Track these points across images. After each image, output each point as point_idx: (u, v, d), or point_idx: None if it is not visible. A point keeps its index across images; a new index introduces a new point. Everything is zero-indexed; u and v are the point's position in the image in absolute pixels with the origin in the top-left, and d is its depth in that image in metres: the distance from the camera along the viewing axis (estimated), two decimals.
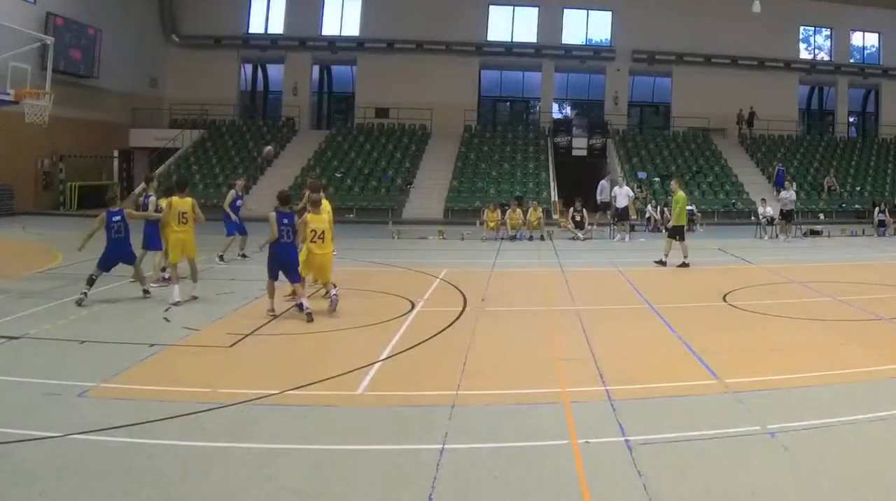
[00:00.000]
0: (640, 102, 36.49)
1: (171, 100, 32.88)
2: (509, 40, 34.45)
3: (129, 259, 10.60)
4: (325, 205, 10.19)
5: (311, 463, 4.90)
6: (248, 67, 35.72)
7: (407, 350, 7.82)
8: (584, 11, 34.80)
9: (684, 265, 14.36)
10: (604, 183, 24.25)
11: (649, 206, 23.61)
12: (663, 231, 18.44)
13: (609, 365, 7.19)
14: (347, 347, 8.05)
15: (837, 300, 10.86)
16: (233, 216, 14.86)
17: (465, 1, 33.49)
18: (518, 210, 20.83)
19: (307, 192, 11.71)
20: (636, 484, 4.56)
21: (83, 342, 7.92)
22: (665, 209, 21.64)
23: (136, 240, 11.21)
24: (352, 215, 25.01)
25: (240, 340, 8.17)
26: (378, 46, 33.50)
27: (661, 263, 14.57)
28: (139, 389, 6.34)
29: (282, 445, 5.19)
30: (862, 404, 6.09)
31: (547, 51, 34.14)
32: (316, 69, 35.53)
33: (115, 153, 29.50)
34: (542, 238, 20.28)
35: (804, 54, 35.74)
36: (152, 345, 7.82)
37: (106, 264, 10.30)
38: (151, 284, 11.05)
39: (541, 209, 21.84)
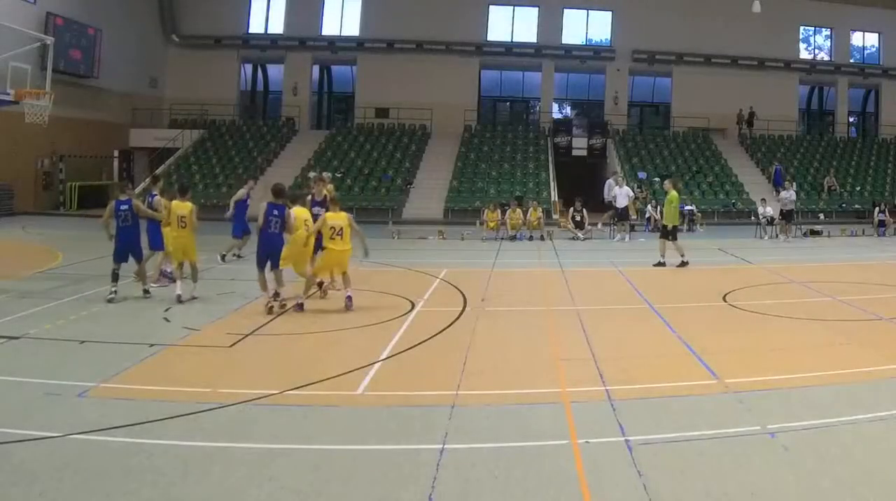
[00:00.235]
0: (640, 102, 36.50)
1: (171, 100, 32.88)
2: (509, 40, 34.46)
3: (137, 253, 10.62)
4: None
5: (311, 463, 4.90)
6: (248, 67, 35.74)
7: (407, 350, 7.82)
8: (584, 11, 34.80)
9: (683, 264, 14.36)
10: (611, 181, 24.25)
11: (649, 206, 23.60)
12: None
13: (609, 365, 7.19)
14: (347, 347, 8.05)
15: (837, 300, 10.86)
16: (230, 212, 14.92)
17: (465, 1, 33.50)
18: (518, 210, 20.84)
19: (317, 186, 12.23)
20: (636, 484, 4.56)
21: (83, 342, 7.92)
22: (657, 208, 21.62)
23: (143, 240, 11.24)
24: (352, 215, 24.94)
25: (240, 340, 8.17)
26: (378, 46, 33.51)
27: (661, 264, 14.56)
28: (139, 389, 6.35)
29: (282, 445, 5.19)
30: (862, 404, 6.09)
31: (547, 51, 34.15)
32: (316, 69, 35.54)
33: (115, 153, 29.49)
34: (542, 238, 20.28)
35: (804, 54, 35.75)
36: (152, 345, 7.82)
37: (117, 256, 10.37)
38: (151, 284, 11.06)
39: (541, 209, 21.85)
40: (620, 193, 20.98)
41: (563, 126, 32.34)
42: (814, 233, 22.18)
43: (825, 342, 8.40)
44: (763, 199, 23.06)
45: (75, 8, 26.48)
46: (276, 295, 9.75)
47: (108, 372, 6.80)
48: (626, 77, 34.88)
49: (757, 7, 28.73)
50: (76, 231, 19.87)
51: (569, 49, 34.38)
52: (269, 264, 9.86)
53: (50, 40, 19.73)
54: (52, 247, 16.14)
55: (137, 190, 26.28)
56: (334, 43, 34.00)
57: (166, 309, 9.74)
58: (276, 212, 9.72)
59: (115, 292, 10.16)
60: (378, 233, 20.77)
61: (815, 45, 36.26)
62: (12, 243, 17.63)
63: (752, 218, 24.23)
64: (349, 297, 9.89)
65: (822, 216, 26.04)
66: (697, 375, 6.99)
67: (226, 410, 5.86)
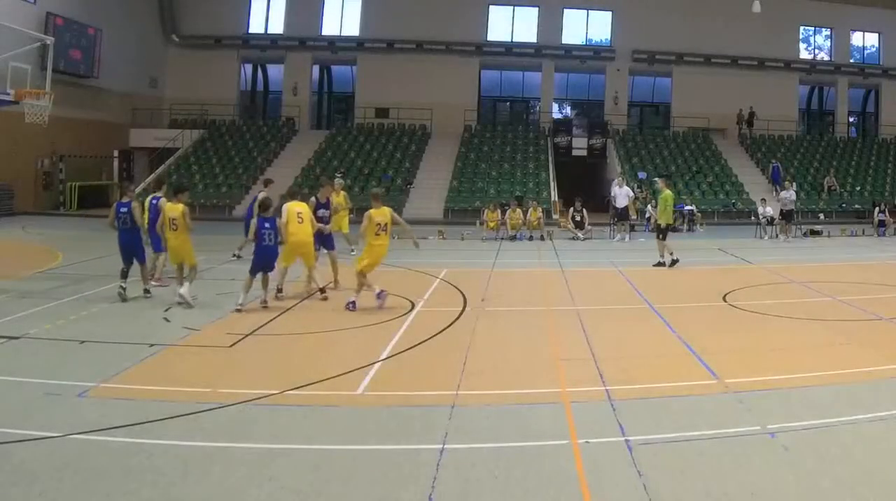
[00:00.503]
0: (640, 102, 36.51)
1: (171, 100, 32.89)
2: (509, 40, 34.46)
3: (139, 255, 10.63)
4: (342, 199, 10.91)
5: (311, 463, 4.90)
6: (248, 67, 35.74)
7: (407, 350, 7.82)
8: (584, 11, 34.81)
9: (660, 264, 14.36)
10: (619, 180, 24.32)
11: (649, 206, 23.58)
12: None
13: (609, 365, 7.19)
14: (347, 347, 8.05)
15: (837, 300, 10.86)
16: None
17: (465, 1, 33.49)
18: (518, 210, 20.83)
19: (323, 189, 12.49)
20: (636, 484, 4.56)
21: (83, 342, 7.92)
22: (651, 208, 21.62)
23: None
24: (352, 215, 24.96)
25: (240, 340, 8.17)
26: (378, 46, 33.52)
27: (661, 264, 14.57)
28: (139, 389, 6.35)
29: (282, 445, 5.19)
30: (862, 404, 6.09)
31: (547, 51, 34.15)
32: (316, 69, 35.55)
33: (115, 153, 29.49)
34: (542, 238, 20.28)
35: (804, 54, 35.75)
36: (152, 345, 7.83)
37: (122, 258, 10.48)
38: (153, 283, 11.08)
39: (541, 209, 21.85)
40: (620, 193, 20.99)
41: (563, 126, 32.34)
42: (814, 233, 22.17)
43: (825, 342, 8.39)
44: (763, 199, 23.06)
45: (75, 8, 26.48)
46: (279, 290, 10.42)
47: (108, 372, 6.80)
48: (626, 77, 34.88)
49: (757, 7, 28.73)
50: (76, 231, 19.88)
51: (569, 49, 34.38)
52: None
53: (50, 40, 19.72)
54: (52, 246, 16.14)
55: (138, 190, 26.42)
56: (334, 43, 34.00)
57: (166, 309, 9.74)
58: (267, 226, 9.92)
59: (124, 288, 10.25)
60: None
61: (815, 45, 36.26)
62: (12, 243, 17.64)
63: (752, 218, 24.22)
64: (381, 292, 9.93)
65: (822, 216, 26.04)
66: (697, 375, 6.99)
67: (226, 410, 5.86)
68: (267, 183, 14.87)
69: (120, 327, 8.75)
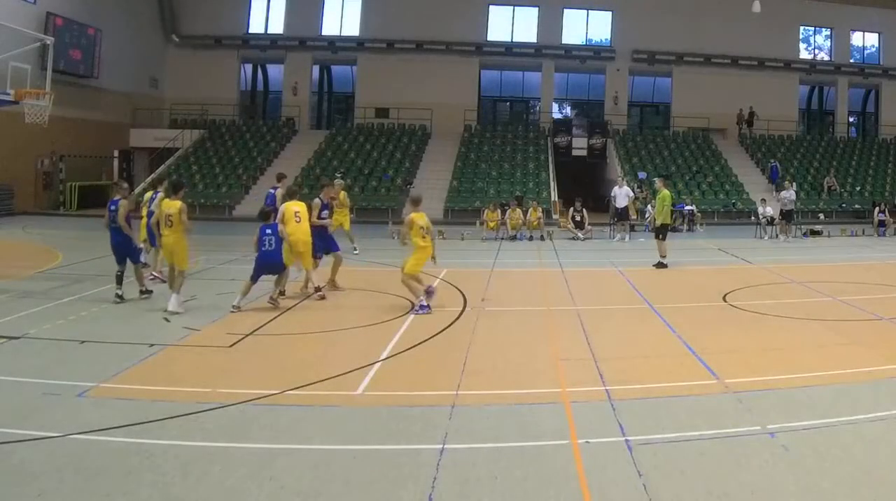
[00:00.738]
0: (640, 102, 36.53)
1: (171, 100, 32.91)
2: (509, 40, 34.47)
3: (132, 254, 10.48)
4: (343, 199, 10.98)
5: (311, 463, 4.90)
6: (248, 67, 35.75)
7: (407, 350, 7.82)
8: (584, 11, 34.83)
9: (661, 265, 14.35)
10: (628, 187, 24.39)
11: (649, 206, 23.59)
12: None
13: (609, 365, 7.19)
14: (347, 347, 8.05)
15: (837, 300, 10.86)
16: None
17: (465, 1, 33.51)
18: (518, 210, 20.83)
19: (325, 190, 12.21)
20: (636, 484, 4.56)
21: (83, 342, 7.92)
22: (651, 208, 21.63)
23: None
24: (352, 215, 24.97)
25: (240, 340, 8.17)
26: (378, 46, 33.53)
27: (662, 264, 14.55)
28: (139, 389, 6.34)
29: (282, 445, 5.19)
30: (862, 404, 6.09)
31: (547, 51, 34.16)
32: (316, 69, 35.56)
33: (115, 153, 29.50)
34: (542, 238, 20.28)
35: (804, 54, 35.76)
36: (152, 345, 7.82)
37: (115, 257, 10.37)
38: (154, 274, 11.22)
39: (541, 209, 21.85)
40: (620, 193, 21.00)
41: (563, 126, 32.34)
42: (814, 233, 22.17)
43: (825, 342, 8.39)
44: (763, 199, 23.06)
45: (75, 8, 26.48)
46: (282, 292, 10.42)
47: (108, 372, 6.80)
48: (626, 77, 34.89)
49: (757, 7, 28.74)
50: (76, 231, 19.88)
51: (569, 49, 34.39)
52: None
53: (50, 40, 19.72)
54: (52, 246, 16.14)
55: (137, 190, 26.40)
56: (334, 43, 34.01)
57: (166, 309, 9.73)
58: (268, 232, 9.97)
59: (121, 295, 10.11)
60: (378, 233, 20.79)
61: (815, 45, 36.27)
62: (12, 243, 17.64)
63: (752, 218, 24.23)
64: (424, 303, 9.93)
65: (822, 216, 26.04)
66: (697, 375, 6.99)
67: (226, 410, 5.86)
68: (280, 177, 14.85)
69: (120, 327, 8.74)
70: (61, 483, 4.53)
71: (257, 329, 8.73)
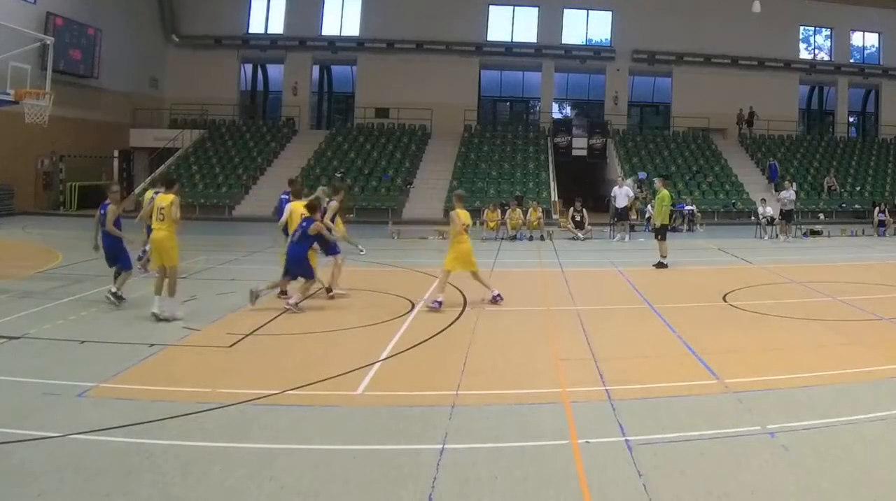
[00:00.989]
0: (640, 102, 36.54)
1: (171, 100, 32.92)
2: (509, 40, 34.48)
3: (122, 259, 10.03)
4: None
5: (311, 463, 4.90)
6: (248, 67, 35.76)
7: (407, 350, 7.82)
8: (584, 11, 34.84)
9: (661, 265, 14.35)
10: (629, 182, 24.46)
11: (649, 206, 23.59)
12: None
13: (609, 365, 7.19)
14: (347, 347, 8.05)
15: (837, 300, 10.86)
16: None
17: (465, 1, 33.52)
18: (518, 210, 20.83)
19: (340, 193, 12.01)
20: (636, 484, 4.56)
21: (83, 342, 7.92)
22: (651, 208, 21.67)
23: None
24: (352, 215, 24.98)
25: (240, 340, 8.17)
26: (378, 46, 33.54)
27: (662, 264, 14.56)
28: (139, 389, 6.34)
29: (282, 445, 5.19)
30: (862, 404, 6.09)
31: (547, 51, 34.17)
32: (316, 69, 35.57)
33: (115, 153, 29.50)
34: (542, 238, 20.28)
35: (804, 54, 35.78)
36: (152, 345, 7.82)
37: (106, 260, 10.13)
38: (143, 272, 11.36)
39: (541, 209, 21.85)
40: (620, 193, 21.01)
41: (563, 126, 32.35)
42: (814, 233, 22.18)
43: (825, 342, 8.39)
44: (763, 199, 23.06)
45: (75, 8, 26.48)
46: (283, 292, 10.30)
47: (108, 372, 6.80)
48: (626, 77, 34.90)
49: (757, 7, 28.75)
50: (76, 231, 19.84)
51: (569, 49, 34.40)
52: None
53: (50, 40, 19.73)
54: (52, 246, 16.14)
55: (137, 190, 26.41)
56: (334, 43, 34.02)
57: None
58: (304, 225, 9.99)
59: (120, 296, 9.94)
60: (378, 232, 20.80)
61: (815, 45, 36.28)
62: (12, 243, 17.64)
63: (752, 218, 24.23)
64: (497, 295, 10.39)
65: (822, 216, 26.05)
66: (697, 375, 6.99)
67: (226, 410, 5.86)
68: (291, 182, 14.70)
69: (120, 327, 8.74)
70: (61, 483, 4.53)
71: (257, 329, 8.72)
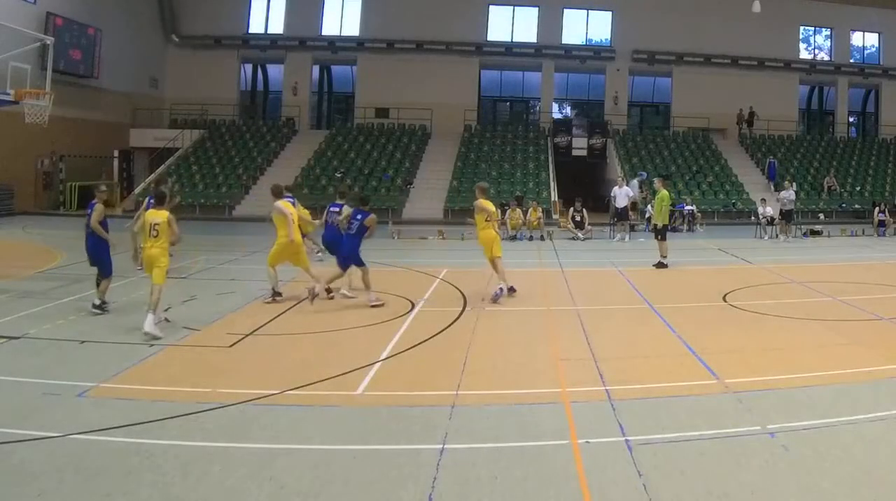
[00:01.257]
0: (640, 102, 36.53)
1: (171, 100, 32.90)
2: (509, 40, 34.46)
3: (103, 264, 9.64)
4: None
5: (311, 463, 4.90)
6: (248, 67, 35.75)
7: (407, 350, 7.82)
8: (584, 11, 34.83)
9: (661, 265, 14.35)
10: (635, 182, 24.51)
11: (649, 206, 23.60)
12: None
13: (609, 365, 7.19)
14: (347, 347, 8.05)
15: (837, 300, 10.86)
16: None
17: (465, 1, 33.50)
18: (518, 210, 20.82)
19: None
20: (636, 484, 4.56)
21: (83, 342, 7.93)
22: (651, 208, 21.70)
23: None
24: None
25: (240, 340, 8.17)
26: (378, 46, 33.52)
27: (662, 264, 14.56)
28: (139, 389, 6.34)
29: (282, 445, 5.19)
30: (862, 404, 6.09)
31: (547, 51, 34.16)
32: (316, 69, 35.55)
33: (115, 153, 29.51)
34: (542, 238, 20.28)
35: (804, 54, 35.76)
36: (152, 345, 7.83)
37: (88, 260, 9.86)
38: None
39: (541, 209, 21.84)
40: (620, 193, 21.01)
41: (563, 126, 32.35)
42: (814, 233, 22.18)
43: (825, 342, 8.39)
44: (763, 199, 23.06)
45: (75, 8, 26.47)
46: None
47: (108, 372, 6.81)
48: (626, 77, 34.89)
49: (757, 7, 28.75)
50: (76, 231, 19.74)
51: (569, 49, 34.39)
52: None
53: (50, 40, 19.72)
54: (52, 246, 16.14)
55: (138, 190, 26.41)
56: (334, 43, 34.01)
57: (166, 309, 9.72)
58: (359, 217, 10.29)
59: (95, 305, 9.46)
60: (378, 232, 20.76)
61: (815, 45, 36.27)
62: (12, 243, 17.64)
63: (752, 218, 24.23)
64: (511, 288, 10.90)
65: (822, 216, 26.04)
66: (697, 375, 6.99)
67: (226, 410, 5.86)
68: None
69: (120, 327, 8.73)
70: (61, 483, 4.53)
71: (257, 329, 8.73)
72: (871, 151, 32.80)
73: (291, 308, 10.01)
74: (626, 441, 5.24)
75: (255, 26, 34.23)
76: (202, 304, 10.14)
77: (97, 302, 9.51)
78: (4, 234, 19.15)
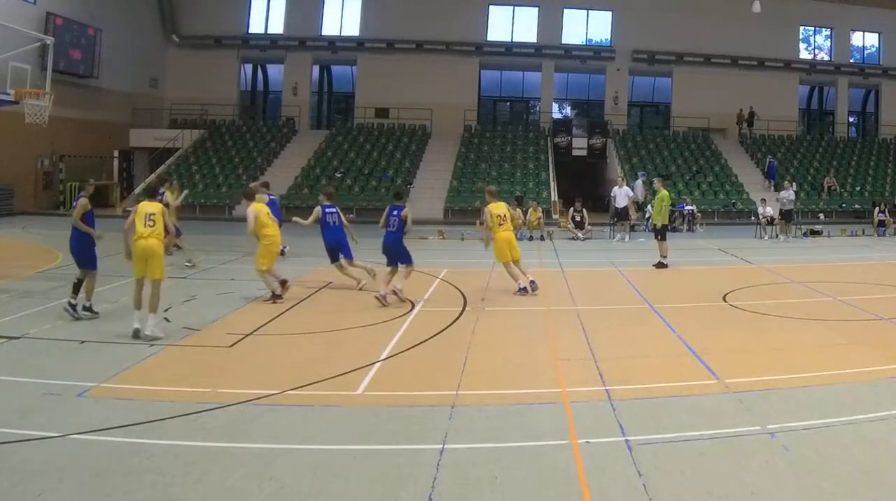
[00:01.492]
0: (640, 102, 36.52)
1: (171, 100, 32.89)
2: (509, 40, 34.47)
3: (86, 261, 9.21)
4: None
5: (311, 463, 4.90)
6: (248, 67, 35.75)
7: (407, 350, 7.82)
8: (584, 11, 34.83)
9: (661, 265, 14.35)
10: (638, 183, 24.51)
11: (649, 206, 23.59)
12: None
13: (609, 365, 7.19)
14: (347, 347, 8.05)
15: (837, 300, 10.86)
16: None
17: (465, 1, 33.51)
18: (518, 210, 20.79)
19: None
20: (636, 484, 4.56)
21: (83, 342, 7.92)
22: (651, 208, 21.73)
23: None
24: (352, 215, 24.98)
25: (240, 340, 8.17)
26: (378, 46, 33.52)
27: (662, 264, 14.56)
28: (139, 389, 6.34)
29: (282, 445, 5.19)
30: (862, 404, 6.09)
31: (547, 51, 34.16)
32: (316, 69, 35.56)
33: (115, 153, 29.51)
34: (542, 238, 20.28)
35: (804, 54, 35.75)
36: (152, 345, 7.82)
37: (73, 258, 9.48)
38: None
39: (541, 209, 21.84)
40: (620, 193, 21.01)
41: (563, 126, 32.34)
42: (814, 233, 22.18)
43: (825, 342, 8.39)
44: (763, 199, 23.07)
45: (75, 8, 26.47)
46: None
47: (108, 372, 6.80)
48: (626, 77, 34.89)
49: (757, 7, 28.76)
50: None
51: (569, 49, 34.39)
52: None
53: (50, 40, 19.73)
54: (52, 247, 16.12)
55: (138, 190, 26.39)
56: (334, 43, 34.01)
57: (166, 309, 9.71)
58: (395, 213, 10.55)
59: (74, 305, 9.01)
60: (378, 233, 20.78)
61: (815, 45, 36.27)
62: (12, 243, 17.63)
63: (752, 218, 24.24)
64: (529, 285, 11.10)
65: (822, 216, 26.04)
66: (697, 375, 6.99)
67: (226, 410, 5.86)
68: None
69: (120, 327, 8.72)
70: (61, 483, 4.53)
71: (257, 329, 8.72)
72: (871, 151, 32.81)
73: (291, 308, 10.01)
74: (626, 441, 5.24)
75: (255, 26, 34.23)
76: (202, 304, 10.14)
77: (87, 304, 9.09)
78: (4, 234, 19.15)
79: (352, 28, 34.15)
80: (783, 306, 10.37)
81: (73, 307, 9.01)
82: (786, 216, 20.80)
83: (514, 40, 34.47)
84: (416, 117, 32.02)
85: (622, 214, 20.93)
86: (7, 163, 23.83)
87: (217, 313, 9.57)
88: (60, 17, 25.51)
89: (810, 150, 32.52)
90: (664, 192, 15.30)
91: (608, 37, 34.92)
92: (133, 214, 8.53)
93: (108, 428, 5.40)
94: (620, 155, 30.32)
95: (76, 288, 9.10)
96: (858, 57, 36.08)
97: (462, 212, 25.34)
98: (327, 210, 11.49)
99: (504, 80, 36.63)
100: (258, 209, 10.61)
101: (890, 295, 11.18)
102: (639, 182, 24.72)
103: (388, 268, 10.55)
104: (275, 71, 35.90)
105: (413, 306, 10.15)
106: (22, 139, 23.18)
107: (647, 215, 23.30)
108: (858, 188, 29.15)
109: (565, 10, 34.55)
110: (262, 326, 8.87)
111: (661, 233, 14.96)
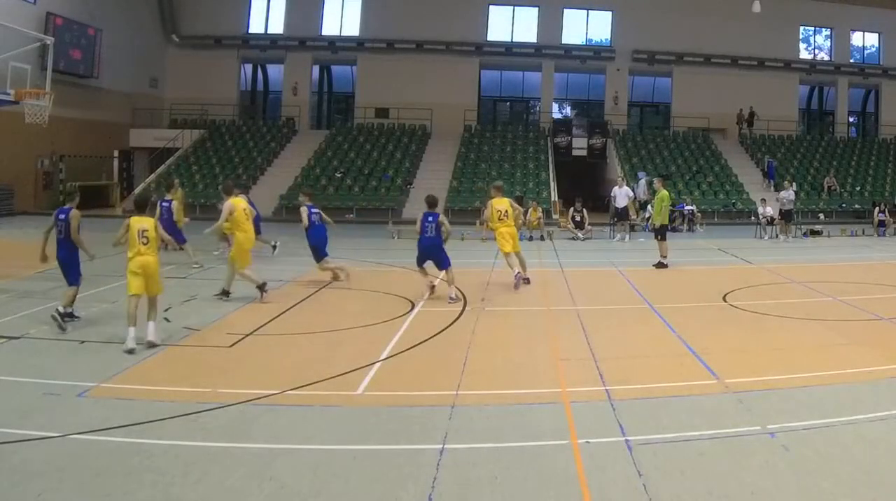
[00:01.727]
0: (640, 102, 36.51)
1: (171, 100, 32.88)
2: (509, 40, 34.46)
3: (72, 274, 8.83)
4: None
5: (311, 463, 4.90)
6: (248, 67, 35.74)
7: (407, 350, 7.82)
8: (584, 11, 34.82)
9: (661, 265, 14.36)
10: (642, 183, 24.54)
11: (650, 206, 23.59)
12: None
13: (609, 365, 7.19)
14: (347, 347, 8.05)
15: (837, 300, 10.86)
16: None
17: (465, 1, 33.50)
18: (519, 209, 20.81)
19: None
20: (636, 484, 4.56)
21: (83, 342, 7.92)
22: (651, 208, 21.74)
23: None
24: (352, 215, 25.02)
25: (240, 340, 8.17)
26: (378, 46, 33.52)
27: (662, 264, 14.56)
28: (139, 389, 6.35)
29: (282, 445, 5.19)
30: (862, 404, 6.09)
31: (547, 51, 34.15)
32: (316, 69, 35.55)
33: (115, 153, 29.50)
34: (542, 238, 20.28)
35: (804, 54, 35.75)
36: (152, 345, 7.82)
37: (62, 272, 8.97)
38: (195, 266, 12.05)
39: (541, 209, 21.84)
40: (620, 193, 21.01)
41: (563, 126, 32.33)
42: (814, 233, 22.17)
43: (825, 342, 8.39)
44: (763, 199, 23.06)
45: (75, 8, 26.46)
46: (433, 287, 10.80)
47: (108, 372, 6.81)
48: (626, 77, 34.88)
49: (757, 7, 28.75)
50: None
51: (569, 49, 34.38)
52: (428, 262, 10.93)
53: (50, 40, 19.73)
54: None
55: (138, 189, 26.37)
56: (334, 43, 34.00)
57: (166, 309, 9.71)
58: (430, 219, 10.79)
59: (60, 313, 8.54)
60: (378, 233, 20.80)
61: (815, 45, 36.26)
62: (12, 243, 17.62)
63: (752, 218, 24.23)
64: (523, 278, 11.59)
65: (822, 216, 26.03)
66: (697, 375, 6.99)
67: (226, 410, 5.86)
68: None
69: (120, 327, 8.70)
70: (61, 483, 4.53)
71: (257, 329, 8.72)
72: (871, 151, 32.80)
73: (291, 308, 10.01)
74: (626, 441, 5.24)
75: (255, 26, 34.22)
76: (202, 304, 10.14)
77: (61, 310, 8.51)
78: (4, 234, 19.14)
79: (352, 28, 34.15)
80: (783, 306, 10.37)
81: (62, 316, 8.49)
82: (786, 216, 20.80)
83: (514, 40, 34.46)
84: (416, 117, 32.01)
85: (622, 214, 20.92)
86: (7, 163, 23.82)
87: (217, 313, 9.58)
88: (60, 17, 25.49)
89: (810, 150, 32.52)
90: (664, 192, 15.32)
91: (608, 37, 34.92)
92: (125, 229, 8.08)
93: (108, 428, 5.40)
94: (620, 155, 30.31)
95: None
96: (858, 57, 36.08)
97: (462, 212, 25.30)
98: (312, 210, 11.86)
99: (504, 79, 36.62)
100: (235, 204, 10.58)
101: (890, 295, 11.18)
102: (642, 182, 24.72)
103: (420, 269, 10.95)
104: (275, 71, 35.89)
105: (413, 306, 10.15)
106: (22, 139, 23.17)
107: (647, 215, 23.31)
108: (858, 188, 29.15)
109: (565, 10, 34.55)
110: (262, 326, 8.87)
111: (660, 233, 14.97)
